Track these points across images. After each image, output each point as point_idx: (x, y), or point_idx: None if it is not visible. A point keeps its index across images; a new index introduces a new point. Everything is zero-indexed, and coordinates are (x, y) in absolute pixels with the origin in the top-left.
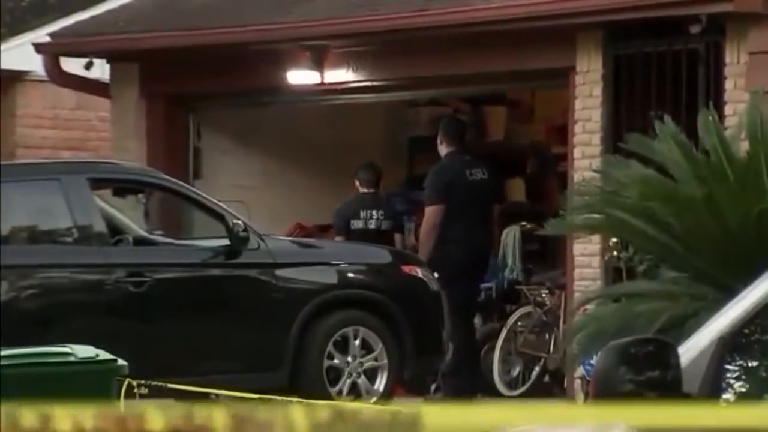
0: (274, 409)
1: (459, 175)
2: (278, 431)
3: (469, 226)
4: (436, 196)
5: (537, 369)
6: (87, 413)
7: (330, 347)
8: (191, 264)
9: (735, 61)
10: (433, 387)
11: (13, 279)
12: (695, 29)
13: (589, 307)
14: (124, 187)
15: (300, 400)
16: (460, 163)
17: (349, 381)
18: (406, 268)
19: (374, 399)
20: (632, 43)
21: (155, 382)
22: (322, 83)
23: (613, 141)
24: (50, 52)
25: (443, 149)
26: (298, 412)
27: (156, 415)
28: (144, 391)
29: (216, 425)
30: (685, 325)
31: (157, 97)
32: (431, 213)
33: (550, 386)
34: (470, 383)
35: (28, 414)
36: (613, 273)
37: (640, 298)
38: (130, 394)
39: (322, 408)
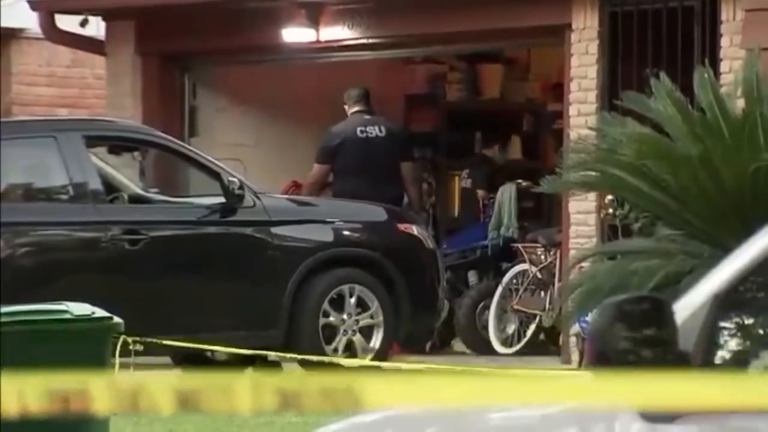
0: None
1: (350, 133)
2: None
3: (367, 183)
4: (321, 156)
5: (532, 327)
6: (31, 389)
7: (326, 305)
8: (187, 222)
9: (731, 18)
10: (428, 345)
11: (9, 237)
12: None
13: (585, 264)
14: (119, 144)
15: (294, 356)
16: (354, 122)
17: (344, 339)
18: (401, 226)
19: (370, 357)
20: (628, 0)
21: (151, 340)
22: (318, 41)
23: (609, 98)
24: (45, 9)
25: (347, 112)
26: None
27: (102, 390)
28: (139, 348)
29: (161, 403)
30: (680, 282)
31: (153, 55)
32: (313, 171)
33: (545, 344)
34: None
35: None
36: (609, 230)
37: (635, 255)
38: (125, 352)
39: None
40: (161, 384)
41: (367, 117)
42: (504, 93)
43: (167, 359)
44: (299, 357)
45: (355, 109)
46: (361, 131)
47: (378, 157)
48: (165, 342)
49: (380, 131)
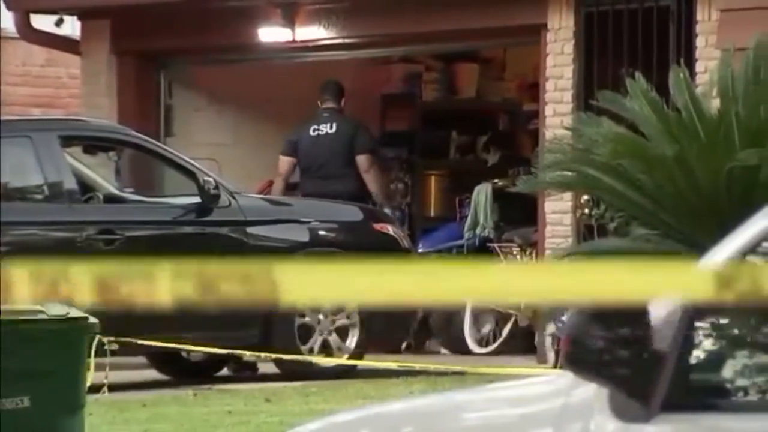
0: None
1: (304, 131)
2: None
3: (323, 181)
4: (285, 149)
5: (508, 326)
6: None
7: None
8: (162, 221)
9: (706, 18)
10: (404, 344)
11: None
12: None
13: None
14: (94, 144)
15: (270, 355)
16: (313, 120)
17: (320, 339)
18: (377, 226)
19: (346, 356)
20: (604, 0)
21: (126, 339)
22: (294, 40)
23: (585, 98)
24: (20, 8)
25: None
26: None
27: (23, 276)
28: (115, 348)
29: (82, 291)
30: None
31: (128, 54)
32: (279, 164)
33: (521, 344)
34: None
35: None
36: (585, 230)
37: (611, 255)
38: (101, 352)
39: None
40: (82, 271)
41: (326, 114)
42: (480, 93)
43: (143, 359)
44: (274, 356)
45: (323, 106)
46: (314, 130)
47: (327, 154)
48: (140, 342)
49: (331, 128)
